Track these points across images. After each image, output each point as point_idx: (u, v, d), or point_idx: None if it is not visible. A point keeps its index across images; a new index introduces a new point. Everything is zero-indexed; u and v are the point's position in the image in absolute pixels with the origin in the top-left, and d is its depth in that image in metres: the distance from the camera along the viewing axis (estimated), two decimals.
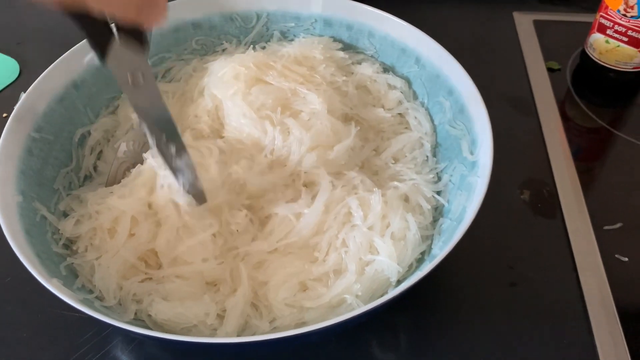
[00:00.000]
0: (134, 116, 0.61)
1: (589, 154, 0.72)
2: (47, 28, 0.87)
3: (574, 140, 0.72)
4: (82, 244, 0.52)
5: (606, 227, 0.62)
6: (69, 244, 0.53)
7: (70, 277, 0.49)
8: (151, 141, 0.48)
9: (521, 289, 0.58)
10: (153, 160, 0.54)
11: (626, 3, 0.70)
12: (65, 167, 0.58)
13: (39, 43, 0.85)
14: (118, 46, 0.41)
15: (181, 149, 0.49)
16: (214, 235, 0.51)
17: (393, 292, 0.42)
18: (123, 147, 0.58)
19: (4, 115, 0.73)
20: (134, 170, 0.55)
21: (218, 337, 0.46)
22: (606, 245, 0.61)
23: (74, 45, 0.60)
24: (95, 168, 0.61)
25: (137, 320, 0.48)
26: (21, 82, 0.79)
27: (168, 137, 0.48)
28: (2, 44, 0.84)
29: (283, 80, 0.61)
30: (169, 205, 0.52)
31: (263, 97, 0.59)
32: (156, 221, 0.52)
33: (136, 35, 0.42)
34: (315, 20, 0.69)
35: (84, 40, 0.61)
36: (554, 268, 0.59)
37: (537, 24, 0.88)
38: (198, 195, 0.51)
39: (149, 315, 0.48)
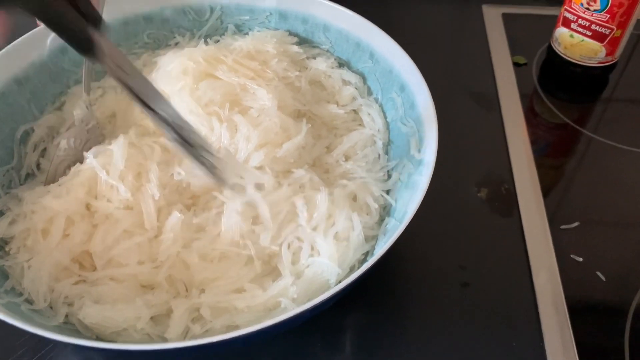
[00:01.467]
0: (76, 112, 0.59)
1: (551, 152, 0.70)
2: None
3: (537, 137, 0.71)
4: (14, 244, 0.50)
5: (563, 227, 0.61)
6: (3, 244, 0.51)
7: (0, 279, 0.48)
8: (168, 133, 0.44)
9: (473, 289, 0.57)
10: (94, 160, 0.53)
11: None
12: (5, 164, 0.57)
13: None
14: (100, 40, 0.39)
15: (191, 131, 0.45)
16: (151, 238, 0.50)
17: (321, 297, 0.41)
18: (63, 144, 0.56)
19: None
20: (72, 169, 0.54)
21: (148, 342, 0.45)
22: (562, 245, 0.59)
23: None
24: (38, 166, 0.59)
25: (68, 324, 0.47)
26: None
27: (177, 122, 0.44)
28: None
29: (233, 75, 0.59)
30: (106, 207, 0.51)
31: (211, 92, 0.57)
32: (92, 222, 0.51)
33: (94, 21, 0.39)
34: (270, 14, 0.67)
35: (27, 34, 0.60)
36: (508, 268, 0.58)
37: (506, 17, 0.87)
38: (219, 177, 0.48)
39: (79, 319, 0.46)
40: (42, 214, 0.51)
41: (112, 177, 0.51)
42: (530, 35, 0.84)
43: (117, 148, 0.53)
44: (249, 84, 0.58)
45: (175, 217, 0.49)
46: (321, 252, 0.49)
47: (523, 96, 0.76)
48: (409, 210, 0.47)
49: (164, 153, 0.55)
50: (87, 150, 0.54)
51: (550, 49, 0.78)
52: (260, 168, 0.54)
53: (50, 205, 0.50)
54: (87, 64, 0.60)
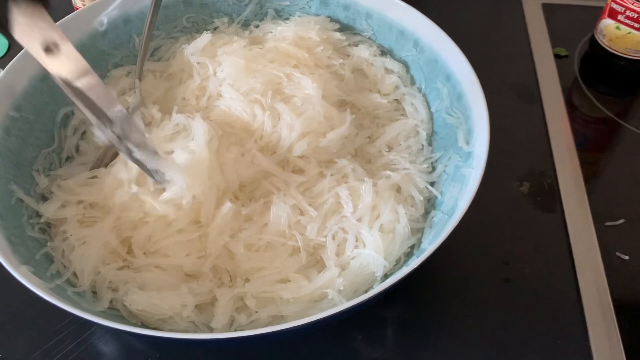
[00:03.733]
0: (130, 99, 0.58)
1: (594, 146, 0.69)
2: None
3: (579, 131, 0.69)
4: (69, 226, 0.50)
5: (608, 223, 0.60)
6: (46, 228, 0.51)
7: (45, 262, 0.47)
8: (91, 118, 0.42)
9: (516, 286, 0.56)
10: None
11: None
12: (46, 147, 0.56)
13: None
14: (20, 14, 0.37)
15: (126, 120, 0.43)
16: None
17: (373, 291, 0.40)
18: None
19: None
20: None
21: (198, 332, 0.45)
22: (607, 243, 0.58)
23: (62, 18, 0.58)
24: (77, 149, 0.59)
25: (112, 310, 0.47)
26: (9, 59, 0.77)
27: (104, 106, 0.42)
28: None
29: (277, 65, 0.58)
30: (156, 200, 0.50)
31: (252, 80, 0.57)
32: (144, 210, 0.50)
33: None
34: None
35: (68, 16, 0.59)
36: (551, 265, 0.57)
37: (546, 8, 0.85)
38: (162, 178, 0.47)
39: (124, 305, 0.46)
40: (97, 195, 0.50)
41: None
42: (572, 26, 0.82)
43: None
44: (294, 72, 0.57)
45: (227, 207, 0.49)
46: (367, 244, 0.49)
47: (564, 89, 0.74)
48: (460, 204, 0.46)
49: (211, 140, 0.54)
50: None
51: (593, 41, 0.76)
52: (302, 157, 0.54)
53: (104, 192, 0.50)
54: (142, 50, 0.59)
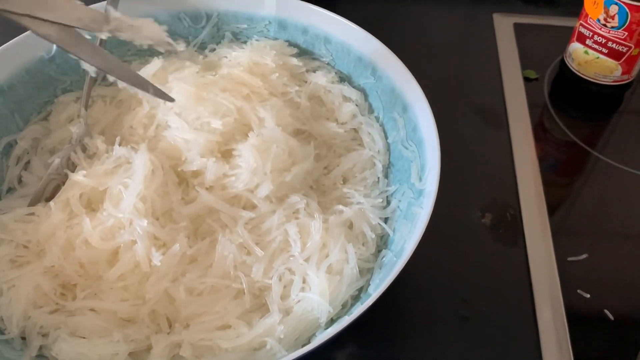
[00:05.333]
0: (74, 129, 0.56)
1: (559, 171, 0.67)
2: None
3: (546, 158, 0.67)
4: None
5: (570, 259, 0.58)
6: None
7: None
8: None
9: (473, 324, 0.54)
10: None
11: (606, 12, 0.64)
12: None
13: None
14: None
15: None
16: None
17: (311, 345, 0.39)
18: (57, 163, 0.54)
19: None
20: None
21: None
22: (568, 279, 0.56)
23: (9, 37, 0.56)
24: (20, 179, 0.56)
25: (41, 357, 0.44)
26: None
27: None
28: None
29: (228, 95, 0.56)
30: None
31: (200, 109, 0.54)
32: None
33: None
34: (269, 22, 0.64)
35: (11, 42, 0.57)
36: (511, 301, 0.55)
37: (518, 28, 0.83)
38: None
39: (52, 355, 0.44)
40: (30, 237, 0.48)
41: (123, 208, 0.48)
42: (543, 47, 0.80)
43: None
44: (244, 105, 0.55)
45: (175, 248, 0.47)
46: (312, 287, 0.47)
47: (532, 114, 0.72)
48: (407, 246, 0.44)
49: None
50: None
51: (562, 65, 0.74)
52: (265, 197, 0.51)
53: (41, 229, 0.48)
54: (89, 78, 0.57)
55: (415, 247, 0.43)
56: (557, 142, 0.70)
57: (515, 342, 0.53)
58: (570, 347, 0.52)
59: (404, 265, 0.42)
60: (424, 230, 0.44)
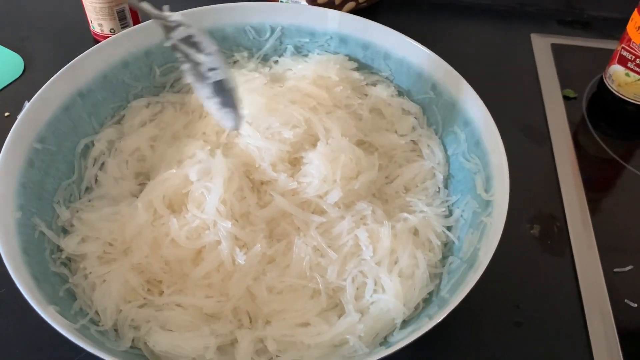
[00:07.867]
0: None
1: (602, 188, 0.70)
2: (53, 24, 0.85)
3: (587, 173, 0.71)
4: (88, 262, 0.50)
5: (616, 270, 0.61)
6: (67, 262, 0.51)
7: (68, 300, 0.48)
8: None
9: (527, 330, 0.57)
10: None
11: None
12: (67, 179, 0.56)
13: (44, 39, 0.83)
14: None
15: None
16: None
17: (400, 344, 0.41)
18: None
19: (6, 114, 0.72)
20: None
21: None
22: (616, 289, 0.59)
23: (79, 42, 0.58)
24: (96, 179, 0.59)
25: (134, 349, 0.47)
26: (25, 80, 0.77)
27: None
28: (7, 39, 0.82)
29: (297, 107, 0.59)
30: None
31: (271, 119, 0.57)
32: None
33: None
34: (331, 37, 0.67)
35: (92, 48, 0.59)
36: (561, 309, 0.58)
37: (555, 48, 0.87)
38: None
39: (146, 344, 0.46)
40: (115, 236, 0.51)
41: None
42: (580, 68, 0.84)
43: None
44: (313, 114, 0.58)
45: (257, 249, 0.49)
46: (386, 290, 0.49)
47: (572, 131, 0.75)
48: (482, 254, 0.47)
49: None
50: None
51: (601, 85, 0.77)
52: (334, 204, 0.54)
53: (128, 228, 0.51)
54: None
55: (491, 255, 0.46)
56: (597, 159, 0.73)
57: (567, 347, 0.55)
58: (620, 352, 0.54)
59: (481, 274, 0.45)
60: (498, 240, 0.47)
